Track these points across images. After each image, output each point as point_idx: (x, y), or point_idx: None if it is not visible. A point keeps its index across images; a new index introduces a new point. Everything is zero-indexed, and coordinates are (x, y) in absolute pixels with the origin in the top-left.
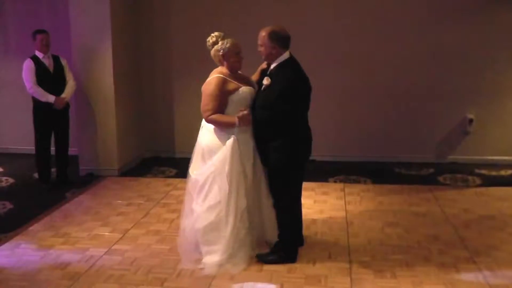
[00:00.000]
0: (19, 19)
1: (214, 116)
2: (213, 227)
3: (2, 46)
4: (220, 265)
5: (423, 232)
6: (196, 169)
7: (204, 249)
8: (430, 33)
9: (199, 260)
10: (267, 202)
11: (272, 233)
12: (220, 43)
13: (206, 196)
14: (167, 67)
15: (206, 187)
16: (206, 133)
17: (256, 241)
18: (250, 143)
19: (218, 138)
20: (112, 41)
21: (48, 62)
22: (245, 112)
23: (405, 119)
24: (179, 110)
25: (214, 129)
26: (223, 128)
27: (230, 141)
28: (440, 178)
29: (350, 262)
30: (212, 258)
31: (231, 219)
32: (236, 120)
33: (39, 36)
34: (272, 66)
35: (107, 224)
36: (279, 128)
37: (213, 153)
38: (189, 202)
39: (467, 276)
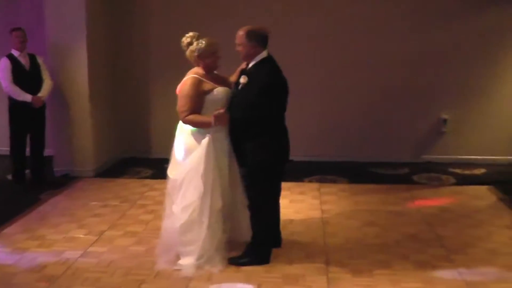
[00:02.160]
0: None
1: (190, 117)
2: (187, 227)
3: None
4: (197, 266)
5: (400, 230)
6: (174, 170)
7: (181, 249)
8: (406, 36)
9: (175, 261)
10: (243, 203)
11: (249, 233)
12: (195, 43)
13: (183, 196)
14: (144, 67)
15: (183, 187)
16: (183, 134)
17: (230, 243)
18: (225, 142)
19: (195, 138)
20: (87, 40)
21: (24, 61)
22: (221, 111)
23: (380, 119)
24: (155, 111)
25: (191, 130)
26: (200, 127)
27: (205, 140)
28: (415, 177)
29: (327, 261)
30: (188, 259)
31: (205, 220)
32: (212, 119)
33: (14, 34)
34: (250, 65)
35: (83, 226)
36: (257, 127)
37: (190, 154)
38: (169, 203)
39: (444, 274)
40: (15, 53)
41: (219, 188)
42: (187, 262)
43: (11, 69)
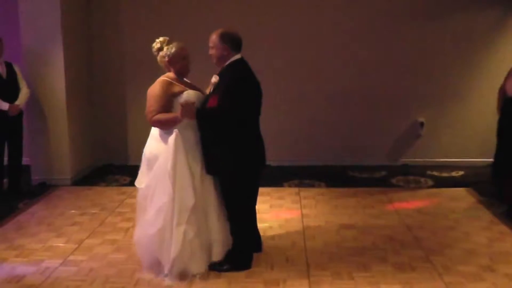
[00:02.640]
0: None
1: (157, 116)
2: (164, 232)
3: None
4: (179, 273)
5: (378, 233)
6: (144, 180)
7: (159, 256)
8: (381, 39)
9: (159, 269)
10: (215, 217)
11: (217, 252)
12: (165, 48)
13: (154, 200)
14: (120, 74)
15: (155, 190)
16: (151, 140)
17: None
18: (196, 145)
19: (163, 142)
20: (64, 47)
21: (1, 69)
22: (189, 102)
23: (358, 123)
24: (132, 117)
25: (159, 134)
26: (169, 127)
27: (172, 136)
28: (393, 180)
29: (308, 265)
30: (168, 266)
31: (175, 220)
32: (178, 111)
33: None
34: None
35: (62, 235)
36: (226, 127)
37: (158, 160)
38: (141, 213)
39: (423, 275)
40: None
41: (190, 187)
42: (167, 269)
43: None
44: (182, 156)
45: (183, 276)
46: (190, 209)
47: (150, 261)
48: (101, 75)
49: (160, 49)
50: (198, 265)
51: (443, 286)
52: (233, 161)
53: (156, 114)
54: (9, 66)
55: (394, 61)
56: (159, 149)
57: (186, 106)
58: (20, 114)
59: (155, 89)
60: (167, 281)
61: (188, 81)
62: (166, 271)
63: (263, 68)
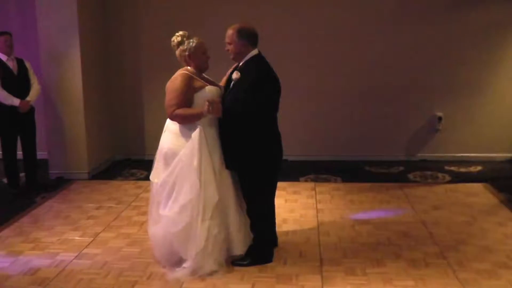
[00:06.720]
0: None
1: (179, 111)
2: (189, 228)
3: None
4: (197, 267)
5: (393, 229)
6: (159, 175)
7: (183, 252)
8: (399, 33)
9: (177, 265)
10: (234, 211)
11: (238, 246)
12: (185, 42)
13: (177, 196)
14: (136, 69)
15: (176, 187)
16: (169, 135)
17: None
18: (216, 141)
19: (183, 138)
20: (80, 43)
21: (12, 65)
22: (216, 99)
23: (374, 117)
24: (149, 112)
25: (180, 129)
26: (189, 122)
27: (196, 131)
28: (410, 176)
29: (321, 260)
30: (190, 261)
31: (200, 216)
32: (204, 108)
33: (2, 38)
34: (241, 63)
35: (77, 228)
36: (249, 123)
37: (177, 156)
38: (156, 208)
39: (437, 271)
40: (3, 57)
41: (214, 183)
42: (188, 264)
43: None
44: (206, 152)
45: (199, 271)
46: (214, 205)
47: (171, 258)
48: (118, 70)
49: (181, 43)
50: (217, 261)
51: (457, 283)
52: (254, 156)
53: (177, 108)
54: (20, 62)
55: (412, 55)
56: (179, 145)
57: (213, 103)
58: (31, 110)
59: (176, 83)
60: (180, 275)
61: (206, 76)
62: (186, 265)
63: (278, 62)
